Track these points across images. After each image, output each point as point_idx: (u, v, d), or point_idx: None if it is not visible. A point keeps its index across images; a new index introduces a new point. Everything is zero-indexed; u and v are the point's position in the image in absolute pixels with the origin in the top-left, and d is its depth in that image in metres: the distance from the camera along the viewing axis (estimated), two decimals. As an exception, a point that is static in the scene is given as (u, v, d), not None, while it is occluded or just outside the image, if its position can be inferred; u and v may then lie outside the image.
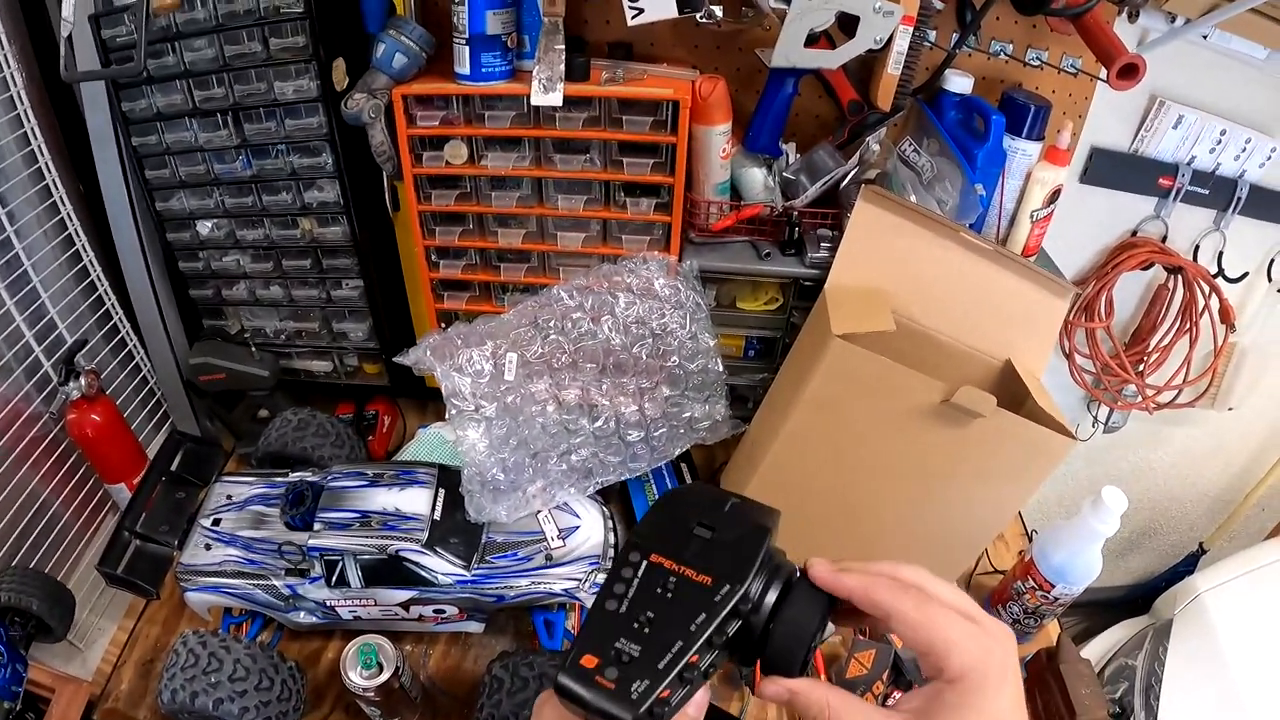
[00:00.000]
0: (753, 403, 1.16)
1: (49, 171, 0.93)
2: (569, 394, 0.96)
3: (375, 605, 0.91)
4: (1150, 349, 1.34)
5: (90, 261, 1.00)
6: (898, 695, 0.83)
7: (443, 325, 1.09)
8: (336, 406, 1.26)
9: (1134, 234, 1.27)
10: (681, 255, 1.05)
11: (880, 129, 1.02)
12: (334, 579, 0.89)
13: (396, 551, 0.88)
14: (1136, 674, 1.38)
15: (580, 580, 0.91)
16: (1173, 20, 1.06)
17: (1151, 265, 1.26)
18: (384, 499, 0.93)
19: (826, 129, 1.10)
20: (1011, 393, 1.00)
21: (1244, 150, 1.21)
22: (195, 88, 0.95)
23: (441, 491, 0.95)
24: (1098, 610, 1.84)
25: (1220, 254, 1.31)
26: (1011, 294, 1.03)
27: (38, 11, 0.91)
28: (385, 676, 0.81)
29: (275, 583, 0.90)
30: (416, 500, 0.93)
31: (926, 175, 1.06)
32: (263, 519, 0.95)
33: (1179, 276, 1.28)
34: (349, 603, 0.91)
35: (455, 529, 0.92)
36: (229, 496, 0.98)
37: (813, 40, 0.93)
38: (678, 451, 1.05)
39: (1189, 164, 1.21)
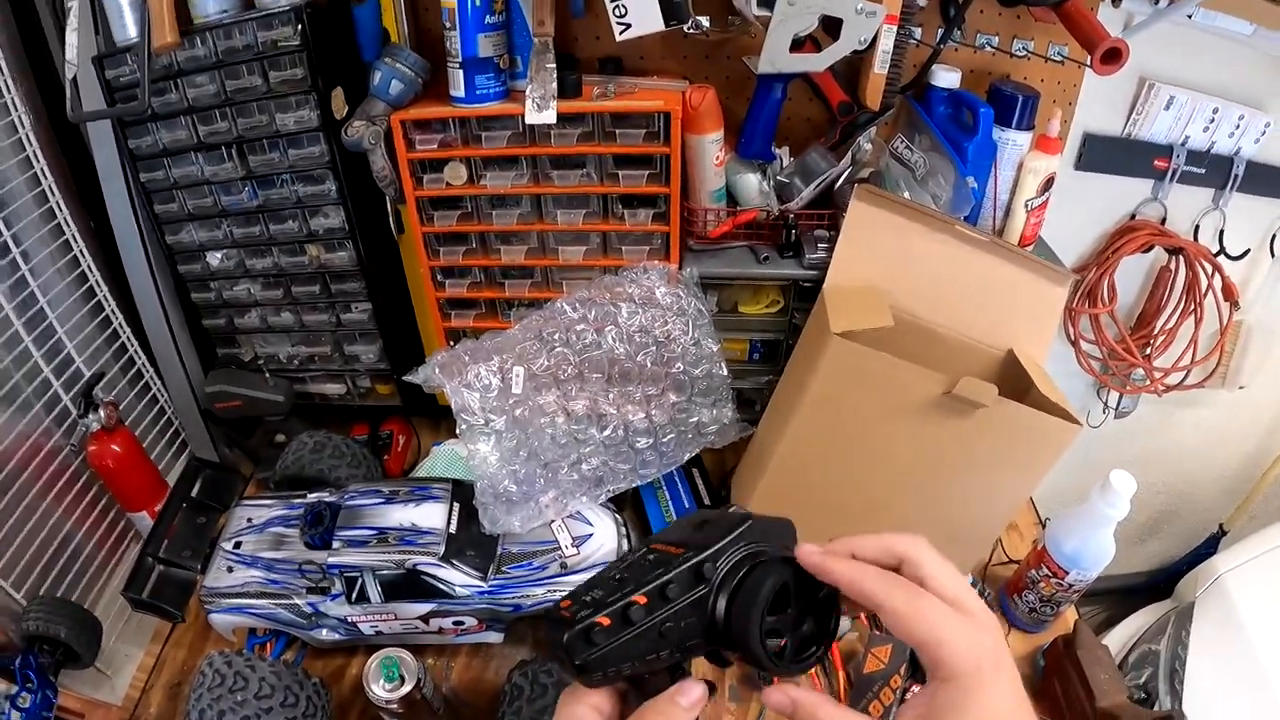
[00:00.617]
0: (760, 405, 1.17)
1: (60, 210, 0.96)
2: (577, 405, 0.98)
3: (396, 619, 0.92)
4: (1156, 331, 1.34)
5: (104, 296, 1.03)
6: (916, 690, 0.83)
7: (451, 343, 1.10)
8: (351, 428, 1.28)
9: (1133, 217, 1.28)
10: (681, 263, 1.07)
11: (871, 128, 1.03)
12: (354, 595, 0.91)
13: (414, 565, 0.90)
14: (1160, 659, 1.37)
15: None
16: (1156, 2, 1.06)
17: (1152, 248, 1.26)
18: (400, 515, 0.95)
19: (819, 131, 1.12)
20: (1015, 382, 1.01)
21: (1237, 127, 1.21)
22: (199, 123, 0.98)
23: (456, 505, 0.97)
24: (1120, 598, 1.84)
25: (1221, 232, 1.31)
26: (1010, 284, 1.04)
27: (42, 55, 0.94)
28: (407, 688, 0.82)
29: (297, 601, 0.92)
30: (432, 515, 0.95)
31: (920, 171, 1.08)
32: (283, 540, 0.97)
33: (1180, 257, 1.28)
34: (370, 618, 0.92)
35: (471, 542, 0.94)
36: (249, 519, 1.00)
37: (798, 45, 0.94)
38: (687, 456, 1.06)
39: (1183, 144, 1.22)
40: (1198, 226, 1.30)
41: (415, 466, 1.20)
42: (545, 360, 0.97)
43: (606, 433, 0.99)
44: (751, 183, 1.07)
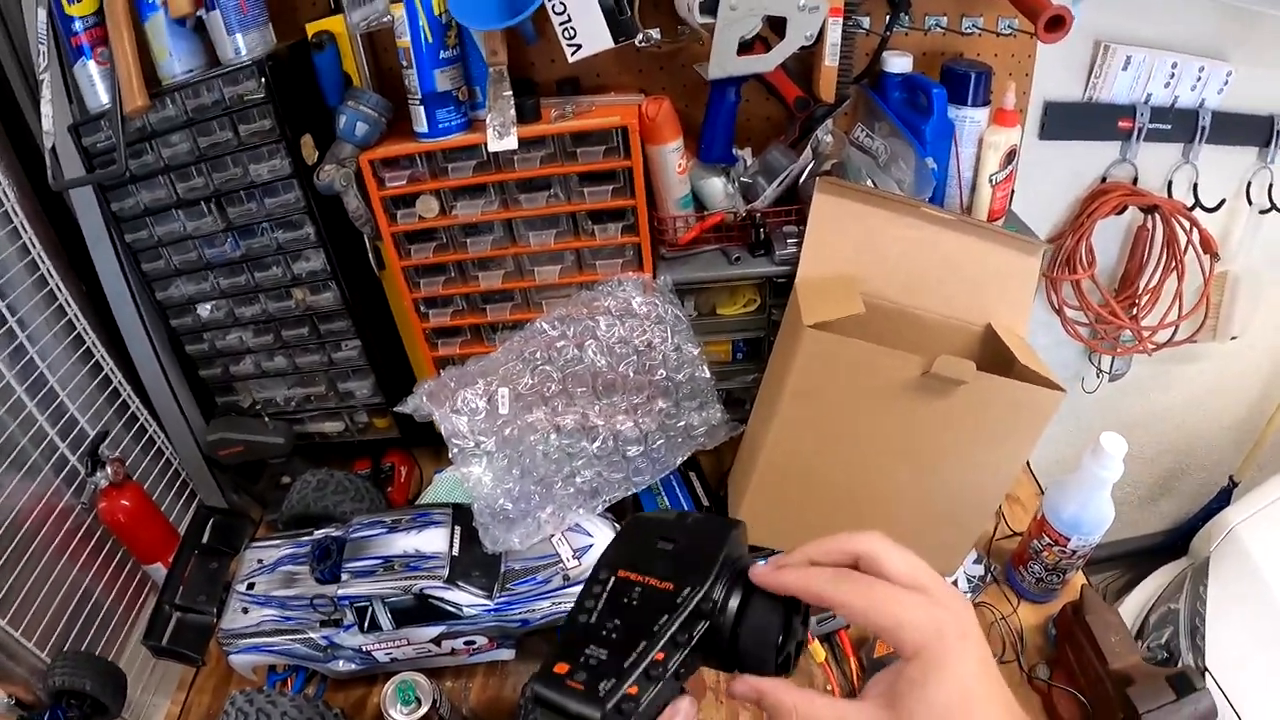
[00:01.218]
0: (749, 404, 1.18)
1: (51, 276, 0.99)
2: (565, 419, 1.00)
3: (408, 644, 0.95)
4: (1140, 291, 1.35)
5: (101, 356, 1.07)
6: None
7: (438, 371, 1.13)
8: (353, 464, 1.31)
9: (1104, 180, 1.29)
10: (655, 272, 1.09)
11: (828, 121, 1.04)
12: (366, 624, 0.93)
13: (421, 590, 0.92)
14: (1180, 617, 1.37)
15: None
16: None
17: (1126, 208, 1.27)
18: (404, 543, 0.97)
19: (779, 129, 1.14)
20: (998, 356, 1.02)
21: (1199, 80, 1.22)
22: (177, 180, 1.01)
23: (457, 529, 0.99)
24: (1138, 560, 1.83)
25: (1195, 185, 1.31)
26: (981, 259, 1.05)
27: (19, 127, 0.98)
28: (424, 710, 0.85)
29: (312, 635, 0.94)
30: (434, 540, 0.97)
31: (881, 158, 1.09)
32: (293, 577, 1.00)
33: (1156, 215, 1.28)
34: (383, 645, 0.95)
35: (475, 562, 0.96)
36: (260, 560, 1.03)
37: (748, 47, 0.96)
38: (679, 460, 1.08)
39: (1145, 102, 1.22)
40: (1171, 183, 1.31)
41: (419, 496, 1.22)
42: (529, 379, 0.99)
43: (597, 444, 1.01)
44: (717, 186, 1.09)
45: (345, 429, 1.28)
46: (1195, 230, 1.27)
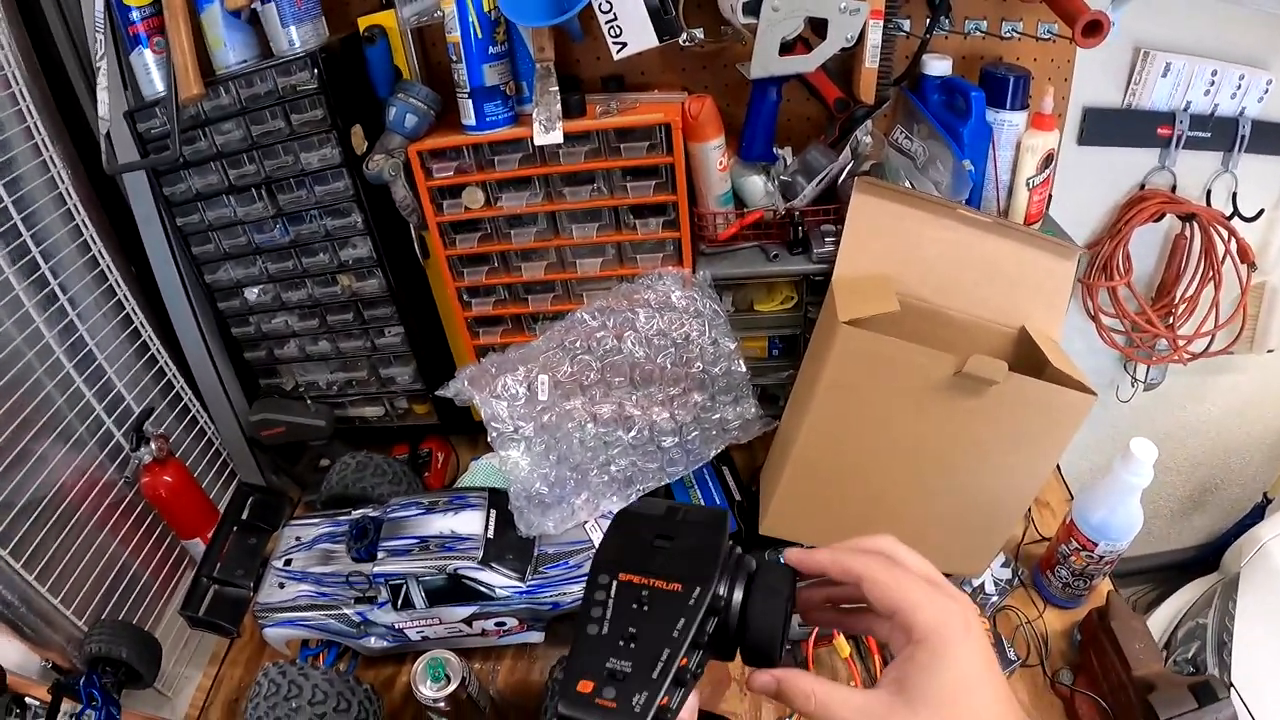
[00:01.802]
0: (783, 400, 1.19)
1: (102, 258, 1.02)
2: (603, 409, 1.02)
3: (440, 624, 0.97)
4: (1176, 300, 1.34)
5: (149, 336, 1.10)
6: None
7: (479, 359, 1.15)
8: (392, 449, 1.33)
9: (1142, 187, 1.28)
10: (695, 267, 1.10)
11: (867, 122, 1.05)
12: (400, 602, 0.95)
13: (455, 570, 0.94)
14: (1208, 632, 1.36)
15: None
16: None
17: (1164, 216, 1.26)
18: (440, 524, 0.99)
19: (819, 129, 1.15)
20: (1030, 358, 1.02)
21: (1239, 88, 1.21)
22: (229, 167, 1.04)
23: (493, 512, 1.00)
24: (1169, 574, 1.81)
25: (1234, 195, 1.30)
26: (1016, 262, 1.05)
27: (75, 113, 1.01)
28: (453, 687, 0.86)
29: (346, 611, 0.97)
30: (470, 522, 0.99)
31: (920, 159, 1.10)
32: (330, 555, 1.02)
33: (1193, 223, 1.28)
34: (416, 624, 0.97)
35: (509, 545, 0.98)
36: (298, 538, 1.06)
37: (789, 48, 0.98)
38: (713, 452, 1.09)
39: (1185, 110, 1.22)
40: (1209, 191, 1.30)
41: (455, 482, 1.24)
42: (569, 368, 1.01)
43: (632, 434, 1.03)
44: (757, 184, 1.11)
45: (385, 414, 1.30)
46: (1233, 239, 1.26)
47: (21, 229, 0.90)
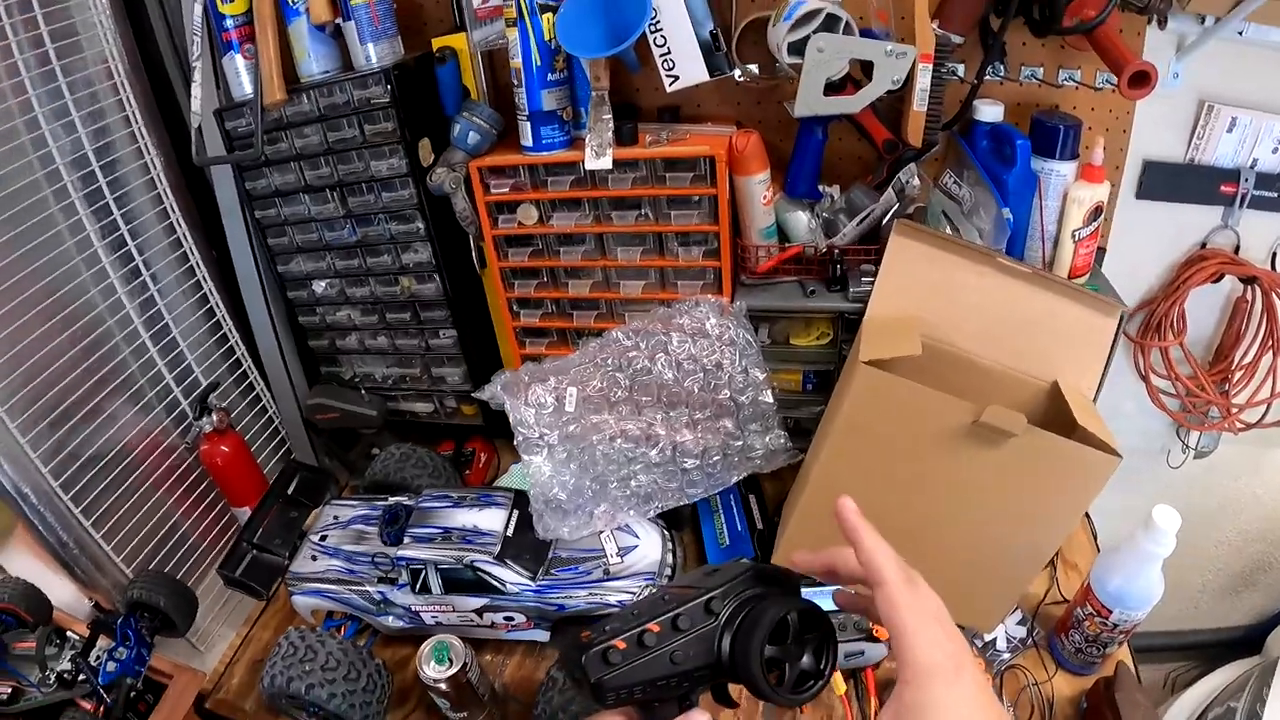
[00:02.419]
0: (815, 433, 1.21)
1: (186, 240, 1.12)
2: (629, 425, 1.06)
3: (453, 611, 1.02)
4: (1234, 365, 1.29)
5: (222, 316, 1.19)
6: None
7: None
8: (439, 445, 1.40)
9: (1203, 246, 1.25)
10: (734, 297, 1.13)
11: (911, 165, 1.06)
12: (418, 586, 1.01)
13: (472, 562, 0.99)
14: (1237, 715, 1.30)
15: (635, 594, 0.99)
16: (1202, 21, 1.05)
17: (1222, 277, 1.22)
18: (464, 518, 1.05)
19: (869, 169, 1.16)
20: (1061, 414, 1.01)
21: (1310, 147, 1.17)
22: (305, 168, 1.12)
23: (515, 513, 1.06)
24: (1215, 653, 1.73)
25: (1301, 258, 1.25)
26: (1054, 315, 1.04)
27: (171, 107, 1.11)
28: (454, 670, 0.91)
29: (369, 589, 1.03)
30: (493, 519, 1.04)
31: (966, 205, 1.10)
32: (363, 536, 1.09)
33: (1255, 287, 1.23)
34: (431, 608, 1.02)
35: (525, 545, 1.03)
36: (335, 517, 1.13)
37: (838, 88, 1.00)
38: (735, 479, 1.12)
39: (1251, 167, 1.18)
40: (1275, 254, 1.25)
41: (493, 482, 1.30)
42: (598, 383, 1.05)
43: (655, 452, 1.06)
44: (801, 220, 1.13)
45: (434, 411, 1.37)
46: (1299, 307, 1.22)
47: (113, 208, 1.00)
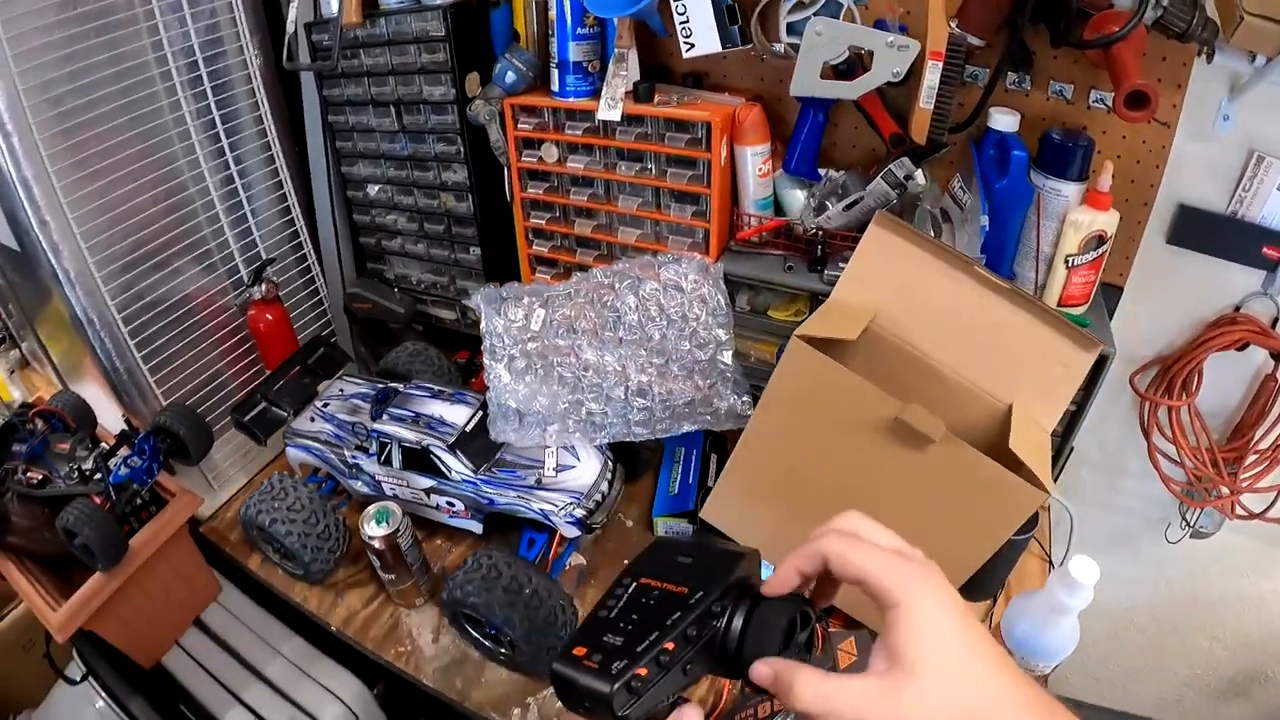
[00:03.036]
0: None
1: (270, 131, 1.30)
2: (588, 355, 1.14)
3: (408, 486, 1.15)
4: (1251, 446, 1.20)
5: (292, 203, 1.37)
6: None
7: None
8: (456, 352, 1.55)
9: (1236, 309, 1.16)
10: (719, 259, 1.19)
11: (906, 160, 1.07)
12: (383, 457, 1.15)
13: (427, 446, 1.12)
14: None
15: (557, 507, 1.09)
16: (1253, 59, 0.97)
17: (1247, 345, 1.14)
18: (435, 408, 1.18)
19: (875, 159, 1.18)
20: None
21: (1375, 221, 1.06)
22: (372, 84, 1.27)
23: (480, 415, 1.17)
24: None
25: (1349, 347, 1.15)
26: (1025, 337, 1.01)
27: (275, 15, 1.27)
28: (388, 530, 1.04)
29: (345, 453, 1.19)
30: (458, 414, 1.16)
31: (966, 212, 1.10)
32: (357, 409, 1.25)
33: (1285, 365, 1.15)
34: (390, 480, 1.16)
35: (477, 442, 1.14)
36: (341, 390, 1.30)
37: (848, 74, 1.03)
38: (685, 428, 1.18)
39: (1303, 233, 1.09)
40: (1319, 336, 1.15)
41: (494, 393, 1.43)
42: (568, 311, 1.14)
43: (608, 384, 1.14)
44: (798, 198, 1.17)
45: (456, 320, 1.51)
46: (1334, 397, 1.12)
47: (209, 94, 1.18)
